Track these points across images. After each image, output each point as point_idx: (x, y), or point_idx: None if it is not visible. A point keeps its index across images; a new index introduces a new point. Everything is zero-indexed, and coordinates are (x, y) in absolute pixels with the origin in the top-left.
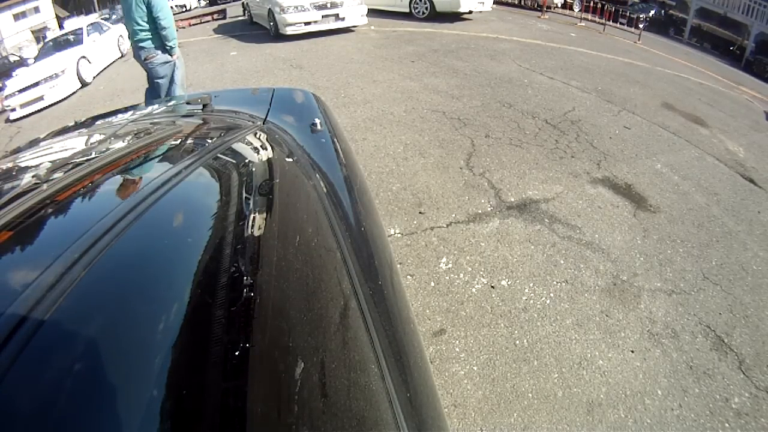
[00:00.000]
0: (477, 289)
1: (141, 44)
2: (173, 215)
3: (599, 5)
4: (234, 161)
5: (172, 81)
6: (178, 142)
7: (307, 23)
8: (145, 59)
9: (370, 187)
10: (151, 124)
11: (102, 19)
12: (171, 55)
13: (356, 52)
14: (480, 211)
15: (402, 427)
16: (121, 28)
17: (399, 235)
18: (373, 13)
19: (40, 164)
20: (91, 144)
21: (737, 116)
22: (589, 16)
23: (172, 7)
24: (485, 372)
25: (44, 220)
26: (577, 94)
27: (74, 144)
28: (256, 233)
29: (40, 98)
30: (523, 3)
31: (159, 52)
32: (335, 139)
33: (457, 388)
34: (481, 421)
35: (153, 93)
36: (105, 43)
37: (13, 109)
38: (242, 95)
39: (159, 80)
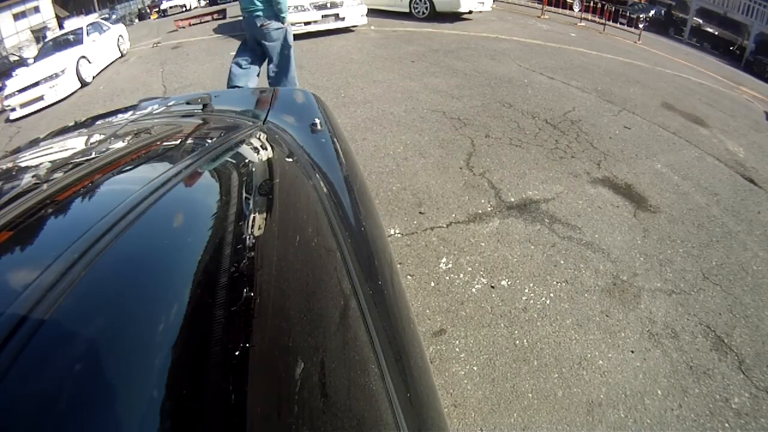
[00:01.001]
0: (477, 289)
1: (257, 14)
2: (173, 215)
3: (599, 5)
4: (234, 161)
5: (285, 43)
6: (178, 142)
7: (307, 23)
8: (261, 26)
9: (370, 187)
10: (151, 124)
11: (102, 19)
12: (282, 23)
13: (356, 52)
14: (480, 211)
15: (402, 427)
16: (120, 28)
17: (399, 235)
18: (373, 13)
19: (40, 164)
20: (91, 144)
21: (737, 116)
22: (589, 16)
23: (171, 7)
24: (485, 372)
25: (44, 220)
26: (577, 94)
27: (74, 144)
28: (256, 233)
29: (40, 98)
30: None
31: (273, 20)
32: (335, 139)
33: (457, 388)
34: (481, 421)
35: (253, 57)
36: (105, 43)
37: (13, 109)
38: (242, 95)
39: (272, 43)
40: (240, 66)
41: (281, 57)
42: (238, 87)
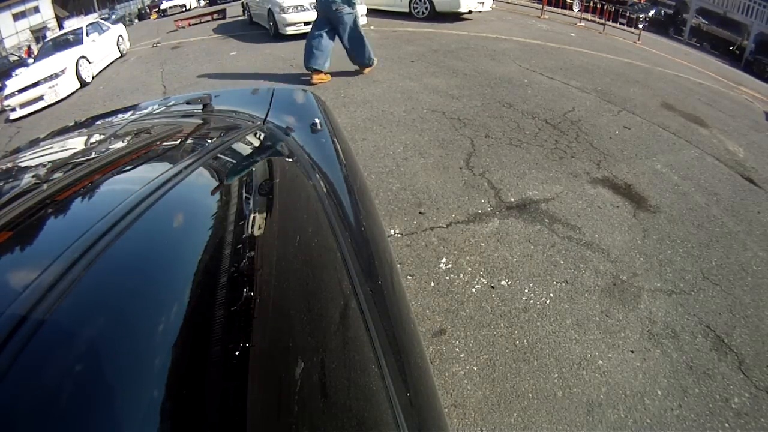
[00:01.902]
0: (477, 290)
1: (332, 1)
2: (173, 215)
3: (599, 5)
4: (234, 161)
5: (355, 24)
6: (178, 142)
7: (307, 23)
8: (335, 10)
9: (370, 187)
10: (151, 124)
11: (101, 19)
12: (353, 9)
13: None
14: (480, 212)
15: (402, 427)
16: (120, 29)
17: (399, 236)
18: (373, 13)
19: (40, 164)
20: (91, 144)
21: (737, 116)
22: (589, 16)
23: (171, 7)
24: (485, 372)
25: (44, 220)
26: (577, 94)
27: (74, 144)
28: (256, 233)
29: (40, 98)
30: None
31: (346, 6)
32: (335, 139)
33: (457, 388)
34: (481, 421)
35: (327, 37)
36: (104, 43)
37: (13, 109)
38: (242, 95)
39: (344, 25)
40: (316, 47)
41: (355, 35)
42: (315, 67)
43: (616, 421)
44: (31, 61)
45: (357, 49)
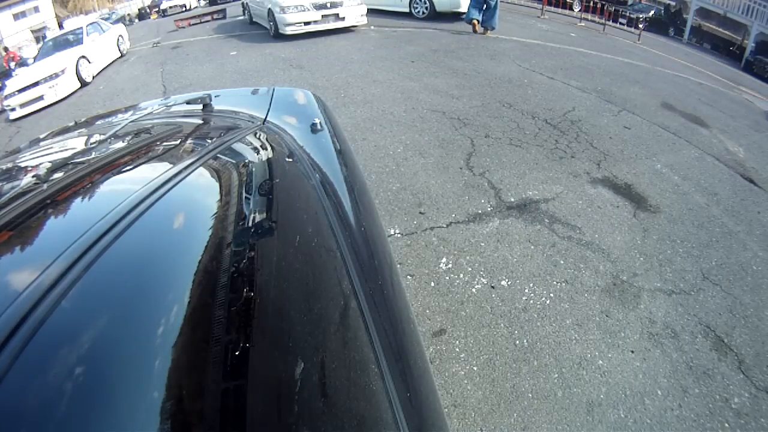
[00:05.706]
0: (477, 289)
1: None
2: (173, 215)
3: (599, 5)
4: (234, 161)
5: (497, 3)
6: (178, 142)
7: (307, 23)
8: None
9: (370, 187)
10: (151, 124)
11: (102, 18)
12: None
13: (356, 51)
14: (480, 211)
15: (402, 427)
16: (120, 28)
17: (399, 235)
18: (373, 13)
19: (40, 164)
20: (91, 144)
21: (737, 116)
22: (589, 16)
23: (171, 7)
24: (485, 372)
25: (44, 220)
26: (577, 94)
27: (74, 144)
28: (256, 233)
29: (40, 98)
30: None
31: None
32: (335, 139)
33: (457, 388)
34: (480, 421)
35: (482, 5)
36: (105, 42)
37: (13, 109)
38: (242, 95)
39: (491, 2)
40: (478, 8)
41: (495, 8)
42: (476, 18)
43: (616, 421)
44: (31, 60)
45: (491, 16)
